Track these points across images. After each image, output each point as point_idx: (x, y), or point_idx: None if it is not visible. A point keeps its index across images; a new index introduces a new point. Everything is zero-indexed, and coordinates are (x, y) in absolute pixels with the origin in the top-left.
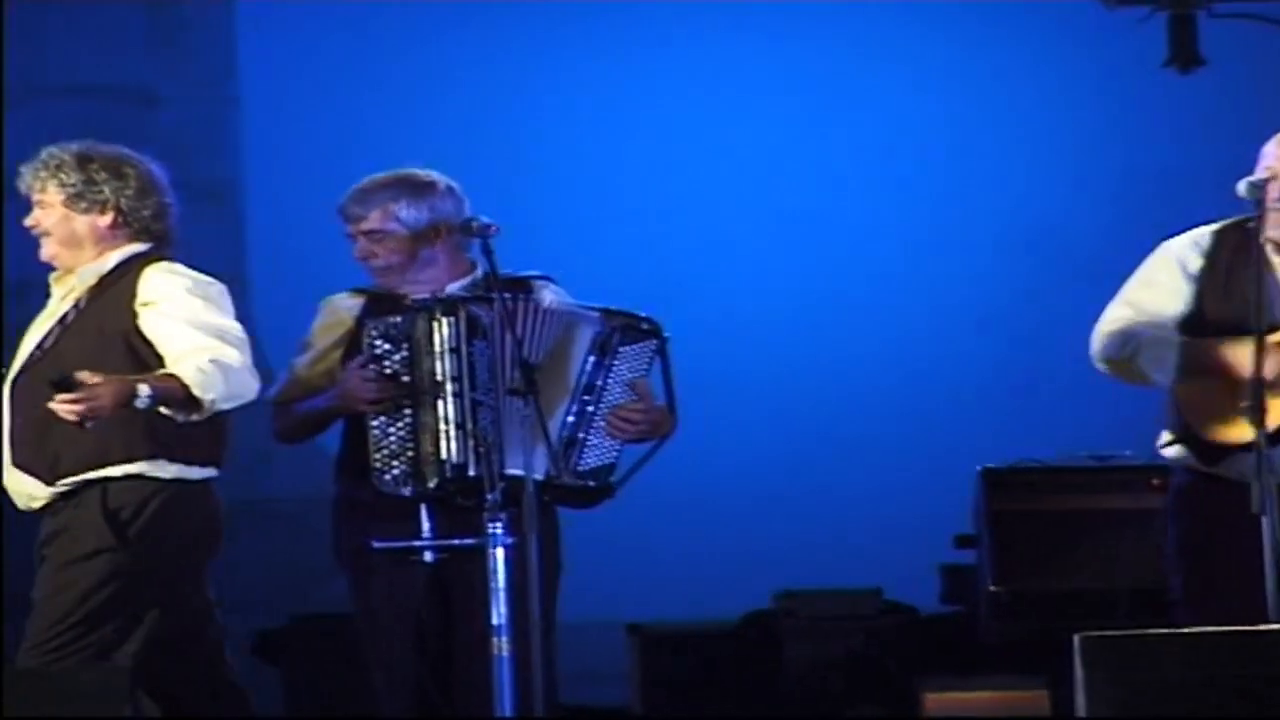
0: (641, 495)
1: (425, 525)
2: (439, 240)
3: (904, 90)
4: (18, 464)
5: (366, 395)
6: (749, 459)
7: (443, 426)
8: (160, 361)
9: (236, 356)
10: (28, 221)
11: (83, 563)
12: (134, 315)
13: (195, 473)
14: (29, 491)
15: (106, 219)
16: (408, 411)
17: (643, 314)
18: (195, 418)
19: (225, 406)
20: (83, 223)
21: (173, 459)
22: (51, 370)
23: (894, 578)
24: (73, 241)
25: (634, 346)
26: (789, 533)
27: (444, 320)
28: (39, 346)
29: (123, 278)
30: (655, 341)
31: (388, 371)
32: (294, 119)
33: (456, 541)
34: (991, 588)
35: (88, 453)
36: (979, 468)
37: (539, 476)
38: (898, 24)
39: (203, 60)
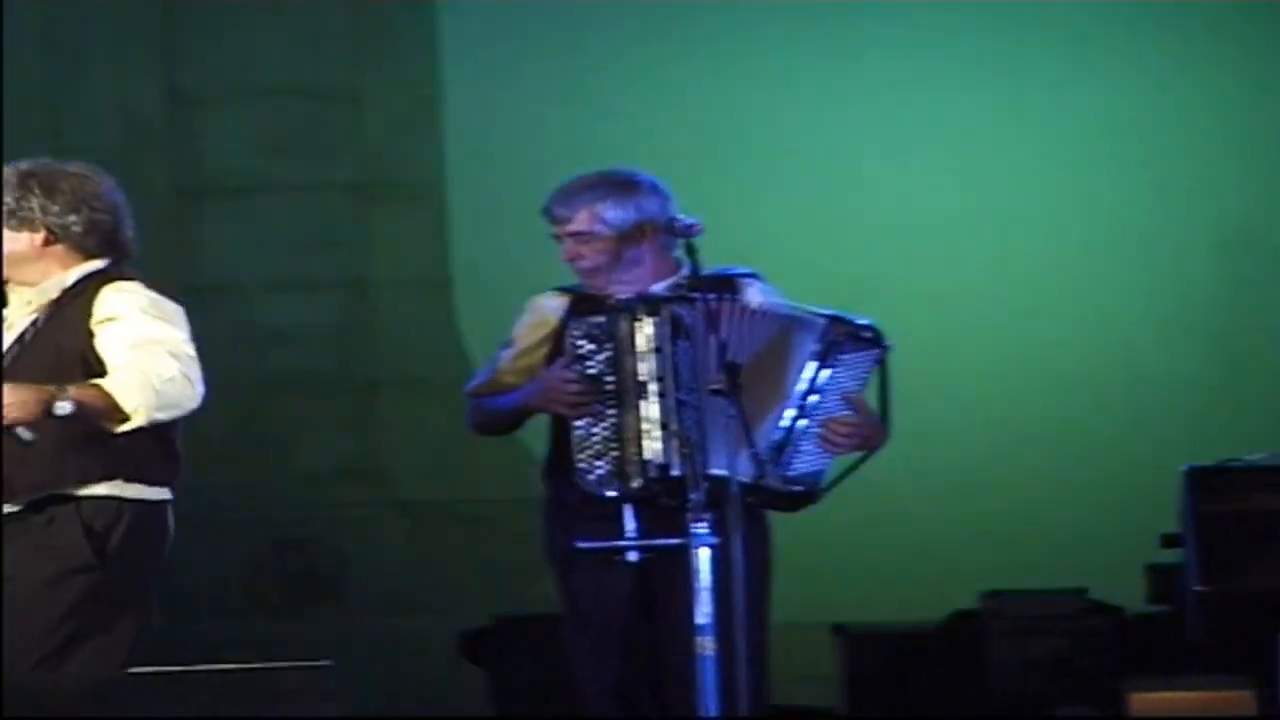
0: (846, 496)
1: (629, 525)
2: (645, 240)
3: (1102, 88)
4: None
5: (567, 398)
6: (954, 459)
7: (646, 427)
8: None
9: (172, 366)
10: None
11: (63, 580)
12: (90, 334)
13: (153, 493)
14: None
15: (39, 236)
16: (611, 412)
17: (865, 320)
18: (126, 428)
19: (160, 417)
20: (20, 240)
21: (130, 479)
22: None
23: (1099, 578)
24: (14, 260)
25: (855, 355)
26: (993, 533)
27: (647, 320)
28: None
29: (79, 296)
30: (877, 351)
31: (591, 372)
32: (496, 119)
33: (660, 542)
34: (1197, 588)
35: (43, 473)
36: (1184, 467)
37: (743, 478)
38: (1097, 22)
39: (406, 61)
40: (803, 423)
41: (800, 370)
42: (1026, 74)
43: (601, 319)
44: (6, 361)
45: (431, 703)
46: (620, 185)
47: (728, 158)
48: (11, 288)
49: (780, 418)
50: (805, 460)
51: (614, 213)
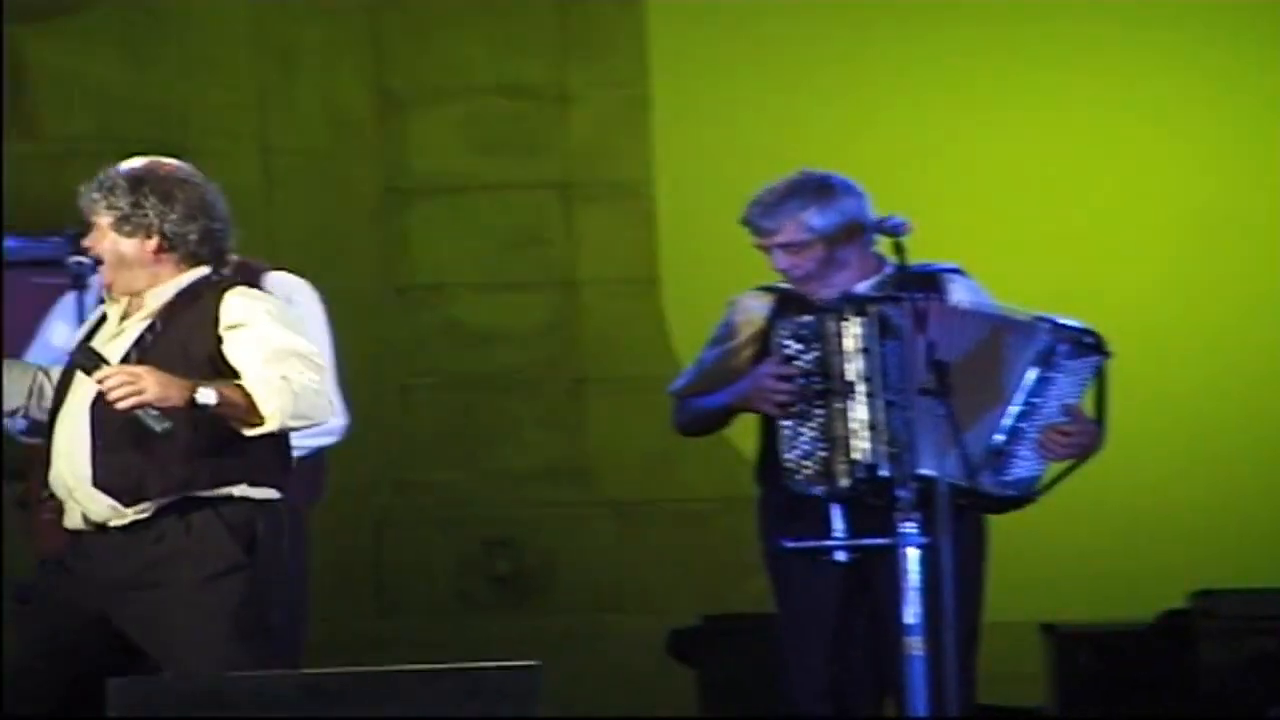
0: (1055, 493)
1: (837, 525)
2: (852, 241)
3: None
4: (99, 485)
5: (776, 397)
6: (1164, 457)
7: (854, 427)
8: None
9: (312, 378)
10: (85, 243)
11: (220, 580)
12: (218, 339)
13: (273, 494)
14: (106, 513)
15: (152, 243)
16: (819, 412)
17: (1085, 326)
18: (259, 431)
19: (293, 425)
20: (129, 246)
21: (255, 482)
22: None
23: None
24: (122, 265)
25: (1077, 362)
26: (1205, 531)
27: (855, 320)
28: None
29: (197, 301)
30: (1098, 358)
31: (798, 371)
32: (704, 117)
33: (868, 541)
34: None
35: (180, 475)
36: None
37: (953, 479)
38: None
39: (614, 59)
40: (1021, 428)
41: (1017, 375)
42: (1236, 73)
43: (809, 319)
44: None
45: (640, 702)
46: (819, 190)
47: (929, 159)
48: (107, 300)
49: (997, 422)
50: (1022, 465)
51: (820, 219)
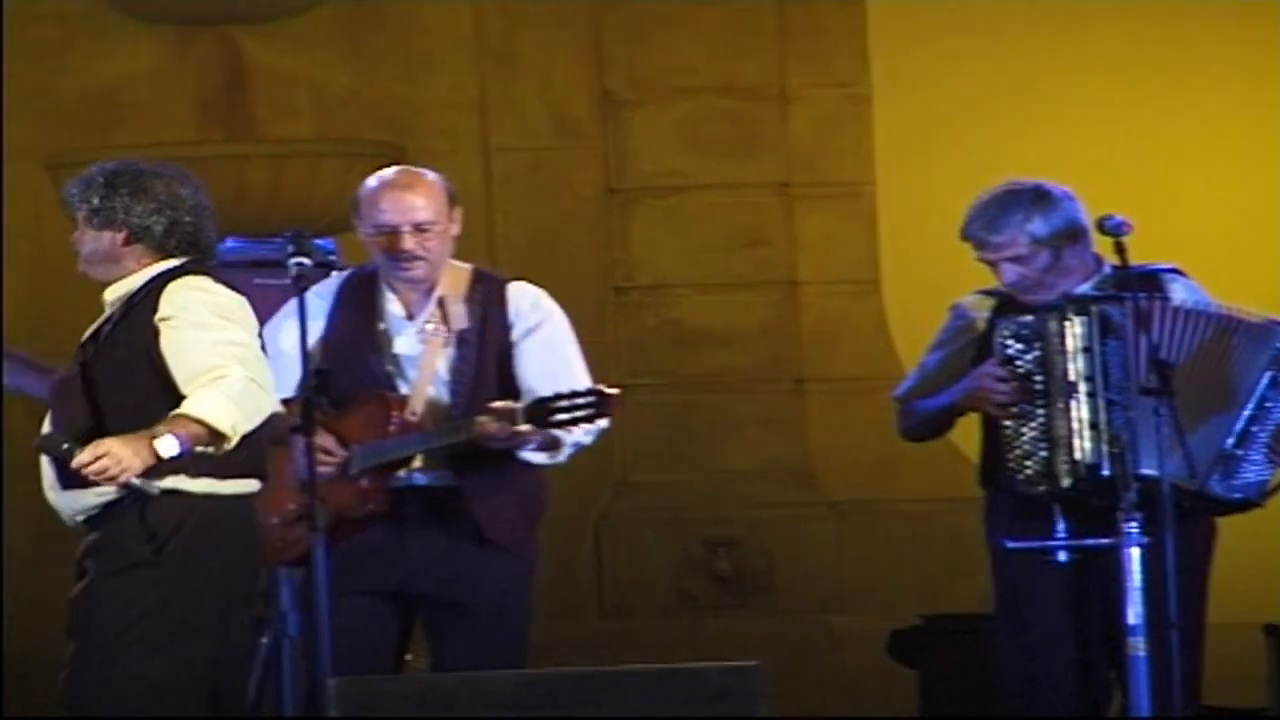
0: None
1: (1059, 525)
2: (1073, 245)
3: None
4: (59, 477)
5: (997, 398)
6: None
7: (1075, 426)
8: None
9: (240, 375)
10: (72, 238)
11: (118, 577)
12: (155, 331)
13: (226, 487)
14: (70, 515)
15: (120, 235)
16: (1040, 411)
17: None
18: (229, 447)
19: (247, 429)
20: (103, 239)
21: (199, 473)
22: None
23: None
24: (97, 259)
25: None
26: None
27: (1076, 319)
28: (77, 361)
29: (149, 294)
30: None
31: (1019, 371)
32: (926, 118)
33: (1090, 542)
34: None
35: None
36: None
37: (1176, 479)
38: None
39: (834, 58)
40: (1253, 432)
41: (1251, 378)
42: None
43: (1030, 318)
44: (86, 359)
45: (860, 702)
46: (1037, 199)
47: (1152, 159)
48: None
49: (1229, 425)
50: (1251, 470)
51: (1042, 227)
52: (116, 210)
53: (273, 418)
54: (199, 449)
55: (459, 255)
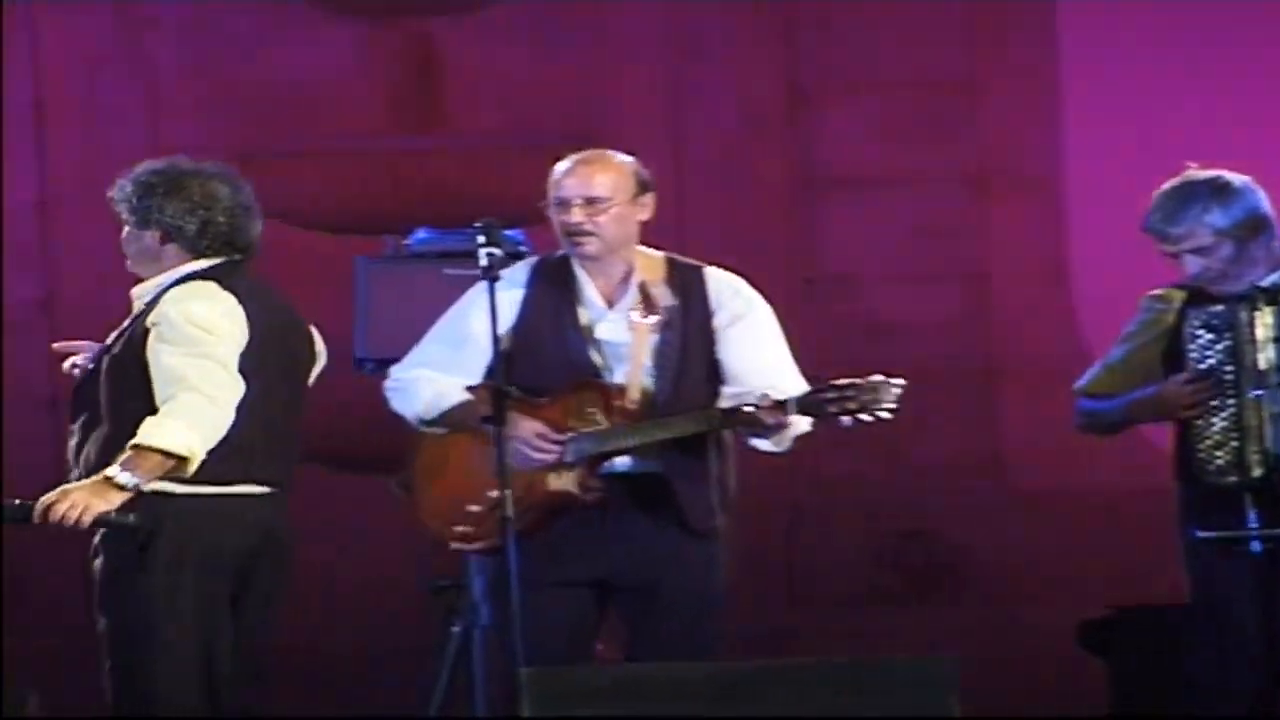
0: None
1: (1251, 516)
2: (1257, 236)
3: None
4: (72, 469)
5: (1183, 401)
6: None
7: (1267, 416)
8: None
9: (192, 398)
10: (121, 236)
11: (118, 576)
12: (147, 333)
13: (208, 489)
14: None
15: (156, 234)
16: (1230, 402)
17: None
18: (195, 466)
19: (207, 448)
20: (144, 238)
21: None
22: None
23: None
24: (140, 257)
25: None
26: None
27: (1267, 310)
28: (92, 364)
29: (156, 297)
30: None
31: (1209, 362)
32: (1117, 108)
33: None
34: None
35: (95, 469)
36: None
37: None
38: None
39: (1024, 49)
40: None
41: None
42: None
43: (1220, 308)
44: (103, 365)
45: (1051, 694)
46: (1216, 190)
47: None
48: None
49: None
50: None
51: (1223, 218)
52: (152, 209)
53: (465, 404)
54: (160, 475)
55: (651, 246)
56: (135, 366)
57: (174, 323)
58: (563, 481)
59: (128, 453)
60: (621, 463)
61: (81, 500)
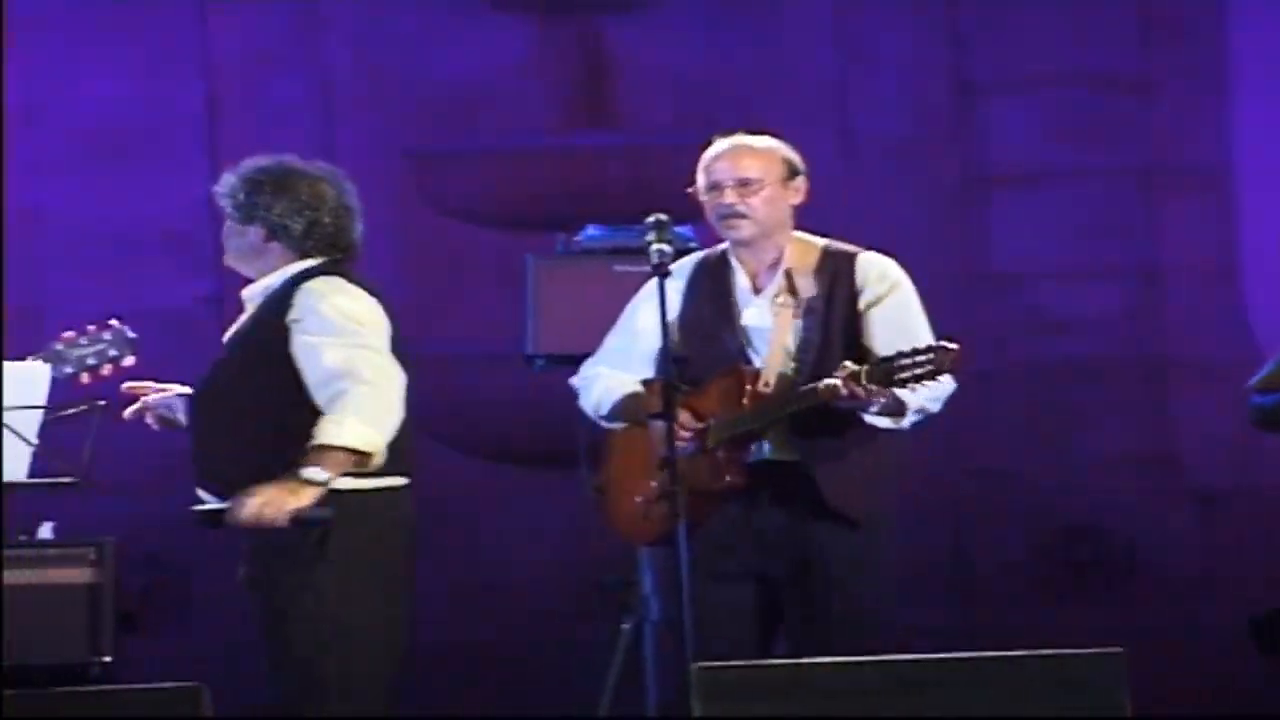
0: None
1: None
2: None
3: None
4: (197, 480)
5: None
6: None
7: None
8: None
9: (364, 391)
10: (224, 231)
11: (293, 575)
12: (286, 332)
13: (368, 483)
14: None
15: (261, 232)
16: None
17: None
18: (378, 462)
19: (387, 440)
20: (247, 235)
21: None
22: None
23: None
24: (241, 254)
25: None
26: None
27: None
28: (213, 362)
29: (284, 294)
30: None
31: None
32: None
33: None
34: None
35: (253, 469)
36: None
37: None
38: None
39: (1195, 46)
40: None
41: None
42: None
43: None
44: (220, 359)
45: (1223, 693)
46: None
47: None
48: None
49: None
50: None
51: None
52: (259, 206)
53: (630, 398)
54: (348, 469)
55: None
56: (276, 365)
57: (325, 317)
58: (701, 468)
59: (313, 450)
60: (770, 449)
61: (278, 499)
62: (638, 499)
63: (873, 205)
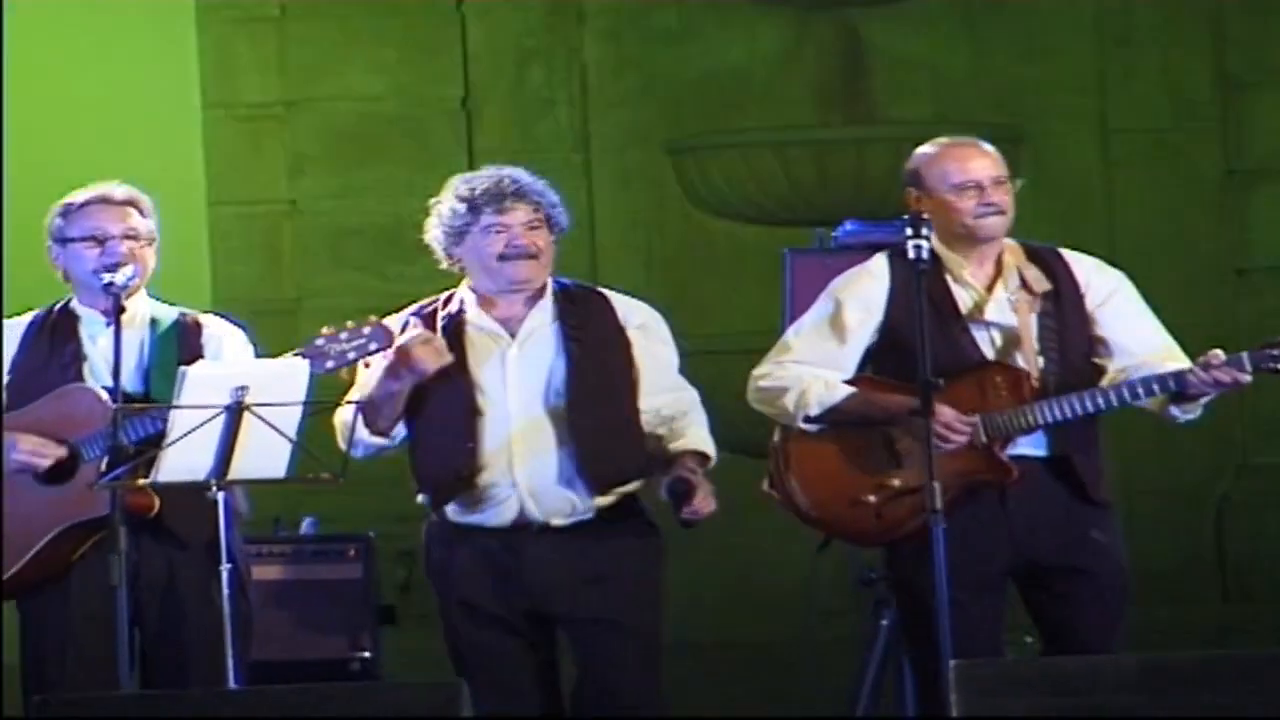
0: None
1: None
2: None
3: None
4: (590, 479)
5: None
6: None
7: None
8: None
9: (697, 400)
10: (535, 234)
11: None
12: (623, 334)
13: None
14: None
15: (552, 237)
16: None
17: None
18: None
19: None
20: (548, 240)
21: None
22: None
23: None
24: (550, 259)
25: None
26: None
27: None
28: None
29: (586, 299)
30: None
31: None
32: None
33: None
34: None
35: (630, 466)
36: None
37: None
38: None
39: None
40: None
41: None
42: None
43: None
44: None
45: None
46: None
47: None
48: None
49: None
50: None
51: None
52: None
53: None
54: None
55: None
56: (618, 367)
57: (661, 326)
58: (972, 463)
59: (688, 456)
60: (1024, 442)
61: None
62: (869, 498)
63: (1133, 198)
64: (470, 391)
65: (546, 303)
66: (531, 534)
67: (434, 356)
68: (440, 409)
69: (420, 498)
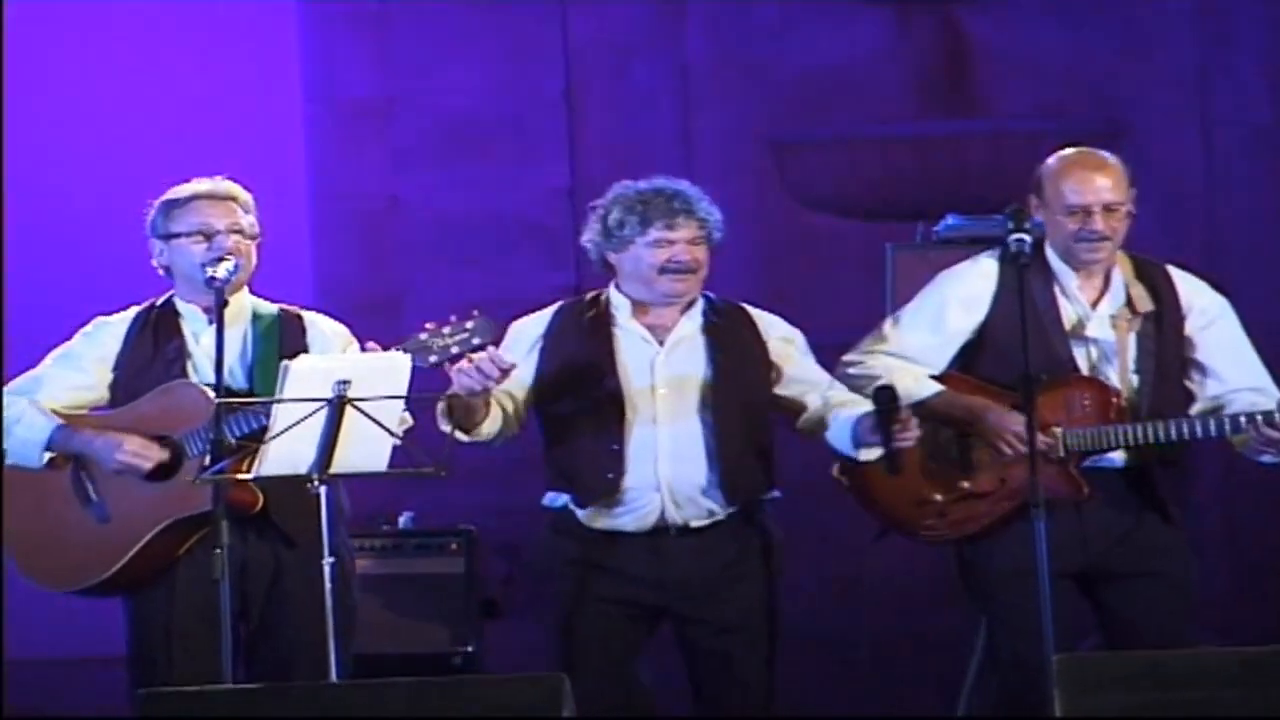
0: None
1: None
2: None
3: None
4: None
5: None
6: None
7: None
8: None
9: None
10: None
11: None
12: (762, 343)
13: None
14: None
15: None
16: None
17: None
18: None
19: None
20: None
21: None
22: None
23: None
24: (704, 275)
25: None
26: None
27: None
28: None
29: (728, 312)
30: None
31: None
32: None
33: None
34: None
35: (764, 480)
36: None
37: None
38: None
39: None
40: None
41: None
42: None
43: None
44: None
45: None
46: None
47: None
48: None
49: None
50: None
51: None
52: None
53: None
54: None
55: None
56: (757, 380)
57: (800, 336)
58: (1045, 477)
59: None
60: (1107, 458)
61: None
62: (936, 497)
63: (1235, 194)
64: (618, 395)
65: (696, 312)
66: (670, 536)
67: (479, 379)
68: (584, 411)
69: (552, 497)
